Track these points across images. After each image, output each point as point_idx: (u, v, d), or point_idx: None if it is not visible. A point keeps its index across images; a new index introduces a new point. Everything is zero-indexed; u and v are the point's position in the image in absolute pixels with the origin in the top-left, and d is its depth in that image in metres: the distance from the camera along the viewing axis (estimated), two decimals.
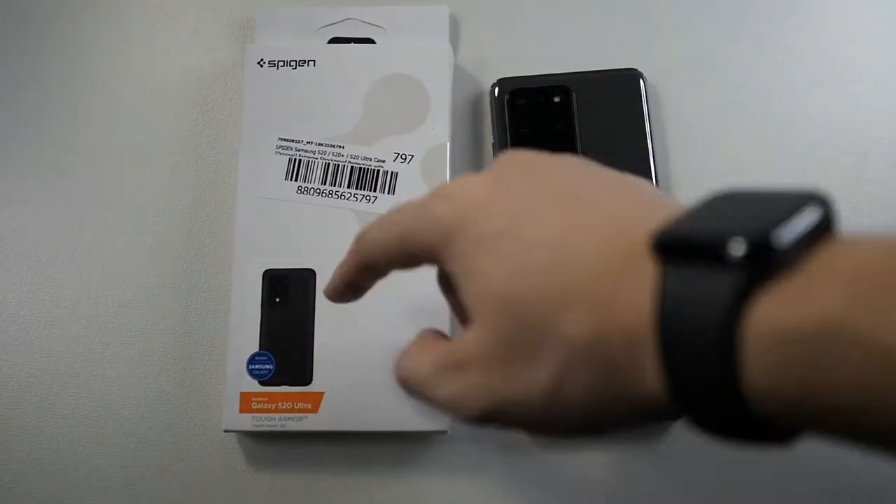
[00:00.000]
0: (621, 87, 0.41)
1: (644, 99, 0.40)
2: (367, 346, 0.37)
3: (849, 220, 0.42)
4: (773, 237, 0.19)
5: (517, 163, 0.27)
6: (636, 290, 0.21)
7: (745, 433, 0.20)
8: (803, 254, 0.19)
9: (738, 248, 0.19)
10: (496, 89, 0.41)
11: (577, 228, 0.23)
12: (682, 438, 0.38)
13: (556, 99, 0.41)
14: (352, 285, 0.30)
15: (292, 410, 0.37)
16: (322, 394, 0.37)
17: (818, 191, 0.20)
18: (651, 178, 0.39)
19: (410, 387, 0.27)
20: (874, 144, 0.42)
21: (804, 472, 0.37)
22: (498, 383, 0.24)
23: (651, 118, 0.40)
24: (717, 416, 0.20)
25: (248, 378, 0.37)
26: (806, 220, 0.19)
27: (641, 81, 0.41)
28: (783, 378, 0.19)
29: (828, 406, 0.18)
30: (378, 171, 0.39)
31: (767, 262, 0.19)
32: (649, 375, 0.21)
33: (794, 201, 0.20)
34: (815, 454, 0.38)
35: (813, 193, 0.20)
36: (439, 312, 0.37)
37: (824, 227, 0.20)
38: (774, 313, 0.19)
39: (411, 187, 0.39)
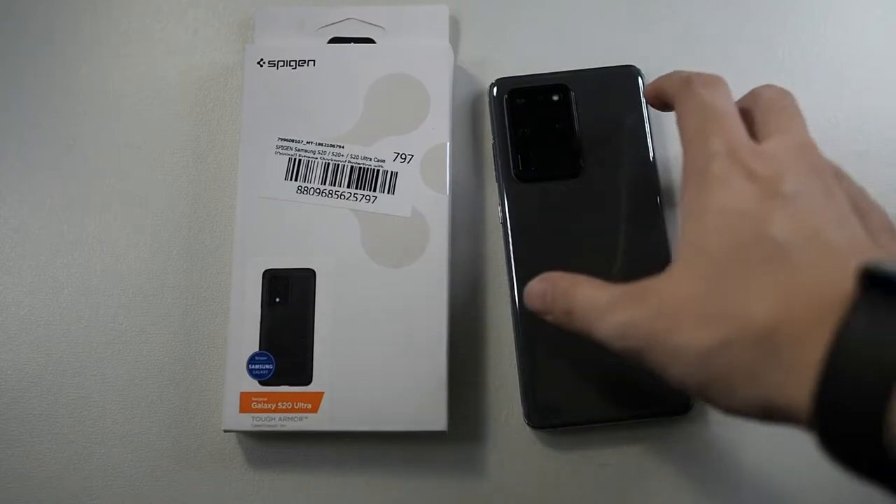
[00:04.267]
0: (620, 85, 0.41)
1: (642, 95, 0.40)
2: (368, 347, 0.37)
3: None
4: None
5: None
6: (829, 308, 0.23)
7: (874, 472, 0.21)
8: None
9: None
10: (494, 89, 0.41)
11: (812, 238, 0.26)
12: (682, 439, 0.38)
13: (555, 97, 0.41)
14: None
15: (292, 410, 0.37)
16: (322, 394, 0.37)
17: None
18: (652, 174, 0.39)
19: (576, 313, 0.30)
20: (874, 144, 0.42)
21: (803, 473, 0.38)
22: (661, 329, 0.27)
23: (650, 115, 0.40)
24: (848, 449, 0.22)
25: (248, 378, 0.37)
26: None
27: (640, 79, 0.41)
28: None
29: None
30: (378, 170, 0.39)
31: None
32: (801, 380, 0.23)
33: None
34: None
35: None
36: (439, 313, 0.38)
37: None
38: None
39: (411, 187, 0.39)
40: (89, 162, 0.42)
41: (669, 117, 0.42)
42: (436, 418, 0.36)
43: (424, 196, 0.39)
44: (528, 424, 0.37)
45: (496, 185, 0.40)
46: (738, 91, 0.42)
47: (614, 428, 0.38)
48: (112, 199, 0.42)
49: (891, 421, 0.20)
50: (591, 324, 0.30)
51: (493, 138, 0.40)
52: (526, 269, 0.38)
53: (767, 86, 0.33)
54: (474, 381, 0.39)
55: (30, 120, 0.43)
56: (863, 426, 0.21)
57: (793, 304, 0.24)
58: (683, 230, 0.29)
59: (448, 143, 0.40)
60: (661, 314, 0.27)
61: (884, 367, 0.21)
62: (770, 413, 0.25)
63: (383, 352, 0.37)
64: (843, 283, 0.23)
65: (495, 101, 0.41)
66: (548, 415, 0.37)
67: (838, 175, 0.31)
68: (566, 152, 0.40)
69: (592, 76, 0.41)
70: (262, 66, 0.41)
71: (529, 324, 0.38)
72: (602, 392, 0.37)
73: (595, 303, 0.30)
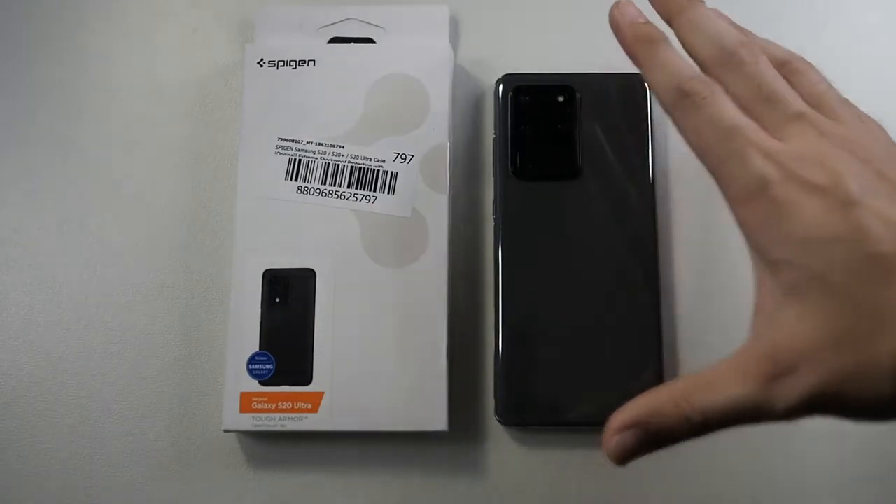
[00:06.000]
0: (628, 93, 0.40)
1: (648, 105, 0.40)
2: (368, 347, 0.37)
3: None
4: None
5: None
6: None
7: None
8: None
9: None
10: (501, 85, 0.41)
11: None
12: None
13: (560, 98, 0.40)
14: None
15: (292, 410, 0.37)
16: (322, 394, 0.37)
17: None
18: (649, 186, 0.39)
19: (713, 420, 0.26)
20: None
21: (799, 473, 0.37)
22: (837, 378, 0.24)
23: (654, 126, 0.40)
24: None
25: (248, 378, 0.37)
26: None
27: (647, 87, 0.40)
28: None
29: None
30: (378, 170, 0.39)
31: None
32: None
33: None
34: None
35: None
36: (439, 313, 0.38)
37: None
38: None
39: (411, 187, 0.39)
40: (89, 162, 0.42)
41: (675, 130, 0.42)
42: (436, 418, 0.36)
43: (424, 196, 0.39)
44: (498, 421, 0.37)
45: (493, 179, 0.40)
46: None
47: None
48: (112, 198, 0.42)
49: None
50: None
51: (495, 133, 0.40)
52: (513, 263, 0.38)
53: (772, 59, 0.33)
54: (474, 380, 0.39)
55: (30, 120, 0.43)
56: None
57: None
58: (776, 265, 0.27)
59: (448, 143, 0.40)
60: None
61: None
62: None
63: (383, 352, 0.37)
64: None
65: (500, 97, 0.41)
66: (519, 412, 0.37)
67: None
68: (565, 153, 0.40)
69: (601, 81, 0.40)
70: (262, 66, 0.41)
71: (510, 322, 0.38)
72: (581, 394, 0.37)
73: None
